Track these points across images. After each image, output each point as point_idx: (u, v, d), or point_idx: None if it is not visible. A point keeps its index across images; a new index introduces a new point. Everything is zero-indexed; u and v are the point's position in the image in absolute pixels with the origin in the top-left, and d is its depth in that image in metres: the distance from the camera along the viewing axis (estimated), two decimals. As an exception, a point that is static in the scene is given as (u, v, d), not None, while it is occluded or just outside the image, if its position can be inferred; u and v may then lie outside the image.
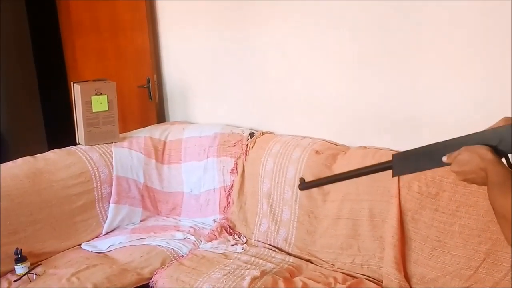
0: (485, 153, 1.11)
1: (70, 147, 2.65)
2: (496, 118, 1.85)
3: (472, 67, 1.96)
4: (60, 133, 3.39)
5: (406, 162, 1.33)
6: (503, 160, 1.14)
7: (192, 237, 2.45)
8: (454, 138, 1.21)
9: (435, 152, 1.24)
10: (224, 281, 1.98)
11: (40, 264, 2.22)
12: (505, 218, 1.03)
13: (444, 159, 1.20)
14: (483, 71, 1.93)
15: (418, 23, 2.06)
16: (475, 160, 1.12)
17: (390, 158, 2.08)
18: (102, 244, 2.42)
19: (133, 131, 2.91)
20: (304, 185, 1.60)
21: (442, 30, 2.01)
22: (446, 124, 2.06)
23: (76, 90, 2.66)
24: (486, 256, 1.76)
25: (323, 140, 2.41)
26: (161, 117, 3.28)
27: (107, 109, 2.68)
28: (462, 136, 1.20)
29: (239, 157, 2.57)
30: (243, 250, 2.29)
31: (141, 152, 2.73)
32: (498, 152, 1.13)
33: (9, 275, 2.13)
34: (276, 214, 2.36)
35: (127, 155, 2.69)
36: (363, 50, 2.26)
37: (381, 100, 2.25)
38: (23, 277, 2.08)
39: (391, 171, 1.36)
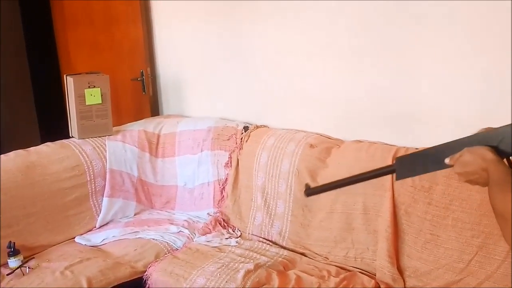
0: (486, 153, 1.13)
1: (63, 140, 2.64)
2: (494, 113, 1.86)
3: (470, 61, 1.96)
4: (53, 126, 3.38)
5: (408, 165, 1.34)
6: (505, 161, 1.15)
7: (186, 231, 2.45)
8: (456, 140, 1.22)
9: (437, 154, 1.25)
10: (218, 274, 1.98)
11: (34, 257, 2.21)
12: (504, 217, 1.04)
13: (447, 161, 1.22)
14: (482, 65, 1.93)
15: (415, 16, 2.06)
16: (477, 161, 1.14)
17: (384, 152, 2.10)
18: (95, 238, 2.41)
19: (127, 124, 2.90)
20: (310, 191, 1.60)
21: (441, 23, 2.00)
22: (442, 118, 2.07)
23: (69, 82, 2.64)
24: (478, 249, 1.77)
25: (318, 134, 2.41)
26: (155, 110, 3.26)
27: (100, 102, 2.67)
28: (464, 138, 1.21)
29: (233, 151, 2.57)
30: (237, 244, 2.29)
31: (135, 146, 2.72)
32: (499, 152, 1.14)
33: (2, 269, 2.12)
34: (270, 207, 2.36)
35: (121, 149, 2.69)
36: (358, 44, 2.26)
37: (376, 94, 2.25)
38: (16, 271, 2.07)
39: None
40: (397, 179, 1.38)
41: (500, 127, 1.16)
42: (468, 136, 1.21)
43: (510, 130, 1.13)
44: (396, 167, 1.35)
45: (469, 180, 1.18)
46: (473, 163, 1.14)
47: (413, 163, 1.33)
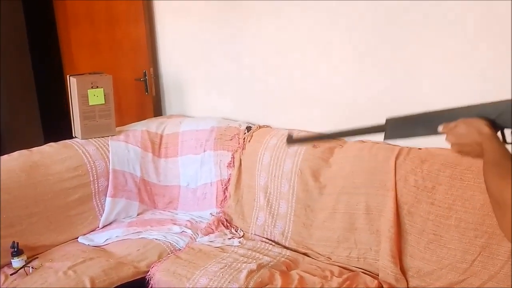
0: (483, 127, 1.10)
1: (66, 141, 2.64)
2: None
3: (470, 61, 1.95)
4: (56, 126, 3.38)
5: (399, 127, 1.30)
6: (499, 134, 1.12)
7: (189, 231, 2.45)
8: (452, 108, 1.18)
9: (431, 120, 1.21)
10: (221, 274, 1.98)
11: (37, 257, 2.21)
12: (498, 203, 1.00)
13: (440, 128, 1.18)
14: (482, 65, 1.93)
15: (416, 16, 2.05)
16: (472, 133, 1.10)
17: (387, 152, 2.10)
18: (98, 238, 2.42)
19: (130, 124, 2.91)
20: (292, 140, 1.57)
21: (441, 23, 2.00)
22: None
23: (72, 83, 2.65)
24: (481, 249, 1.77)
25: (320, 134, 2.40)
26: (157, 110, 3.27)
27: (103, 102, 2.67)
28: (461, 107, 1.17)
29: (236, 151, 2.57)
30: (240, 244, 2.29)
31: (137, 146, 2.73)
32: (495, 126, 1.11)
33: (5, 269, 2.12)
34: (273, 207, 2.36)
35: (124, 149, 2.69)
36: (361, 44, 2.26)
37: (379, 94, 2.25)
38: (19, 271, 2.07)
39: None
40: (385, 139, 1.33)
41: (499, 101, 1.12)
42: (465, 106, 1.17)
43: (510, 105, 1.09)
44: (387, 127, 1.31)
45: (460, 151, 1.15)
46: (467, 136, 1.11)
47: (405, 125, 1.29)
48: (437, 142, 2.03)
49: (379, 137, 2.18)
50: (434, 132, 1.20)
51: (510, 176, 0.98)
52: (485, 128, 1.09)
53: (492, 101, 1.14)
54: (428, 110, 1.24)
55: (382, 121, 2.23)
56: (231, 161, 2.58)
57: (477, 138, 1.10)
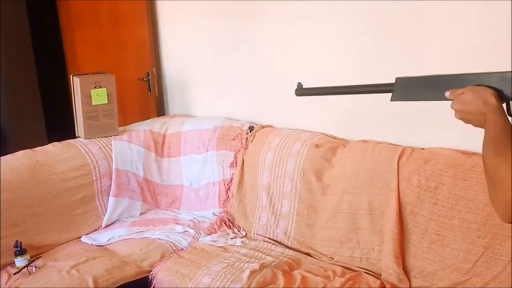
0: (489, 97, 1.09)
1: (70, 140, 2.65)
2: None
3: (471, 60, 1.95)
4: (59, 126, 3.39)
5: (407, 89, 1.29)
6: (505, 106, 1.10)
7: (192, 230, 2.45)
8: (461, 74, 1.18)
9: (439, 84, 1.20)
10: (223, 274, 1.98)
11: (40, 256, 2.22)
12: (492, 179, 0.99)
13: (447, 94, 1.17)
14: (482, 65, 1.91)
15: (418, 16, 2.05)
16: (478, 103, 1.09)
17: (390, 151, 2.09)
18: (101, 237, 2.42)
19: (133, 124, 2.91)
20: (301, 91, 1.57)
21: (442, 23, 2.00)
22: (445, 117, 2.05)
23: (76, 83, 2.65)
24: (485, 249, 1.76)
25: (323, 134, 2.40)
26: (160, 110, 3.27)
27: (106, 102, 2.68)
28: (470, 74, 1.17)
29: (239, 151, 2.57)
30: (242, 244, 2.29)
31: (140, 145, 2.73)
32: (503, 97, 1.10)
33: (8, 268, 2.13)
34: (275, 207, 2.36)
35: (127, 148, 2.69)
36: (363, 43, 2.25)
37: (380, 93, 2.24)
38: (22, 270, 2.08)
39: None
40: (392, 99, 1.32)
41: (509, 71, 1.10)
42: (474, 73, 1.16)
43: None
44: (395, 87, 1.30)
45: (464, 118, 1.14)
46: (473, 104, 1.10)
47: (413, 87, 1.28)
48: (440, 142, 2.04)
49: (382, 137, 2.20)
50: (442, 97, 1.19)
51: (507, 153, 0.97)
52: (492, 99, 1.08)
53: (502, 71, 1.13)
54: (438, 74, 1.23)
55: (383, 121, 2.25)
56: (233, 161, 2.58)
57: (481, 108, 1.09)
